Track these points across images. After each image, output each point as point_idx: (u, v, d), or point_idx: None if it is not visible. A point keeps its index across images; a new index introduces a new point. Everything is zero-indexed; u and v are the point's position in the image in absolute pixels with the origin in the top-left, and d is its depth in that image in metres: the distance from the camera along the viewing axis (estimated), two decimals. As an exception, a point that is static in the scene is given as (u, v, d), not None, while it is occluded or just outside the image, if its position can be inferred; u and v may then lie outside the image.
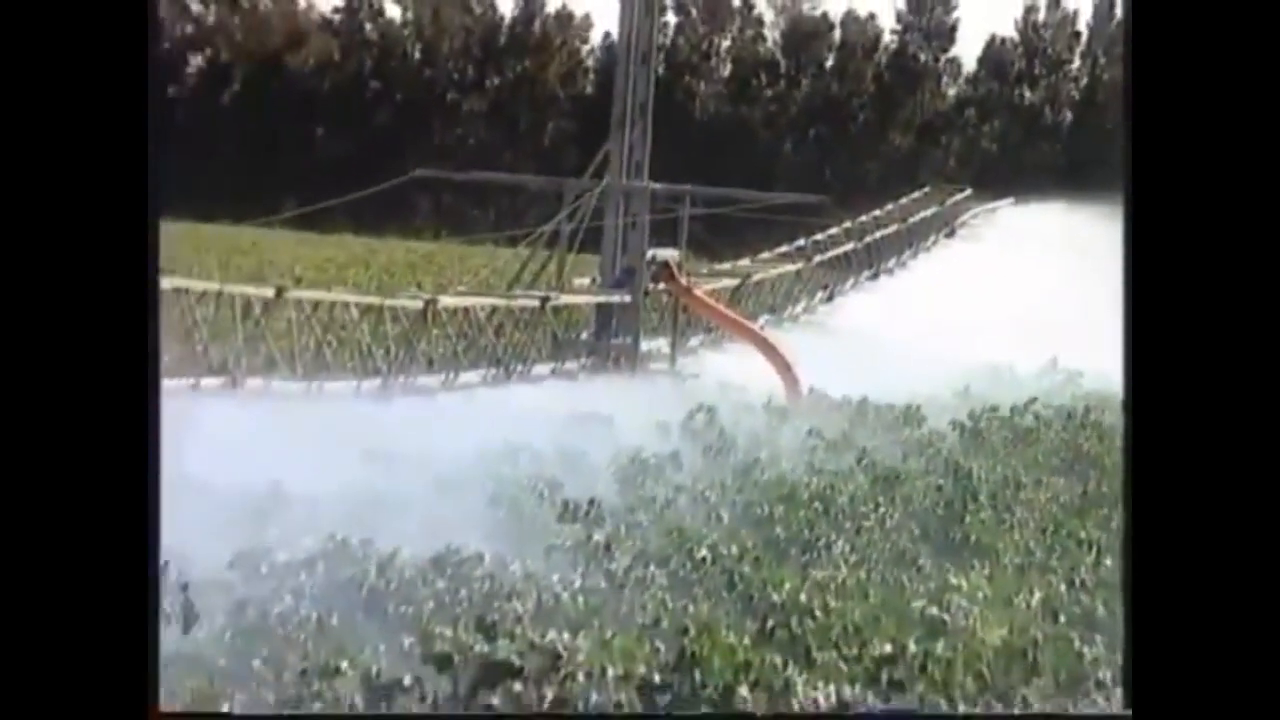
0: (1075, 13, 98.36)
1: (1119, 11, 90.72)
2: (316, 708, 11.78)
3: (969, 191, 61.83)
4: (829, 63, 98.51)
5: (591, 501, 19.54)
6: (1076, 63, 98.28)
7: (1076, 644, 14.23)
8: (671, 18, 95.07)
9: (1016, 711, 11.84)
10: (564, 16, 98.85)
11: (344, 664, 12.19)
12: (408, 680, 12.08)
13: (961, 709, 12.08)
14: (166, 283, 28.16)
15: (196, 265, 48.17)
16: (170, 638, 12.57)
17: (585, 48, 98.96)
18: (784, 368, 37.60)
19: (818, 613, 14.51)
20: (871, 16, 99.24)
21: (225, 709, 11.47)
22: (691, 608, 15.83)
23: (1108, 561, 18.91)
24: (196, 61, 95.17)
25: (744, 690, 12.16)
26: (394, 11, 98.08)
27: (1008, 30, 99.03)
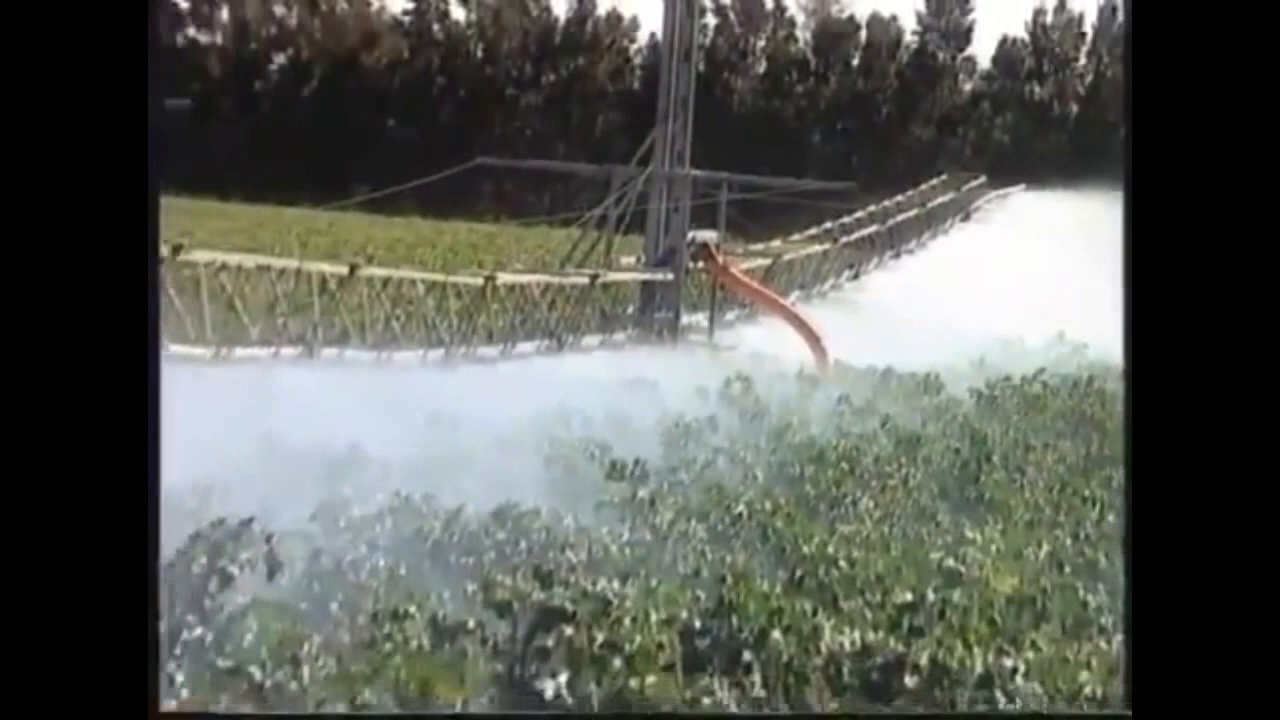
0: (1081, 15, 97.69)
1: (1121, 14, 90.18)
2: (387, 649, 11.80)
3: (983, 179, 61.59)
4: (855, 61, 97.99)
5: (637, 461, 19.58)
6: (1082, 61, 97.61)
7: (1081, 593, 14.22)
8: (711, 19, 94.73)
9: (1017, 709, 11.78)
10: (614, 18, 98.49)
11: (412, 609, 12.22)
12: (471, 624, 12.11)
13: (976, 652, 12.03)
14: (251, 260, 28.29)
15: (278, 245, 48.31)
16: (256, 584, 12.63)
17: (633, 47, 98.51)
18: (813, 340, 37.55)
19: (844, 564, 14.50)
20: (894, 18, 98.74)
21: (305, 650, 11.44)
22: (729, 559, 15.84)
23: (1110, 517, 18.86)
24: (279, 60, 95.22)
25: (776, 634, 12.15)
26: (459, 14, 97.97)
27: (1019, 31, 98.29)
